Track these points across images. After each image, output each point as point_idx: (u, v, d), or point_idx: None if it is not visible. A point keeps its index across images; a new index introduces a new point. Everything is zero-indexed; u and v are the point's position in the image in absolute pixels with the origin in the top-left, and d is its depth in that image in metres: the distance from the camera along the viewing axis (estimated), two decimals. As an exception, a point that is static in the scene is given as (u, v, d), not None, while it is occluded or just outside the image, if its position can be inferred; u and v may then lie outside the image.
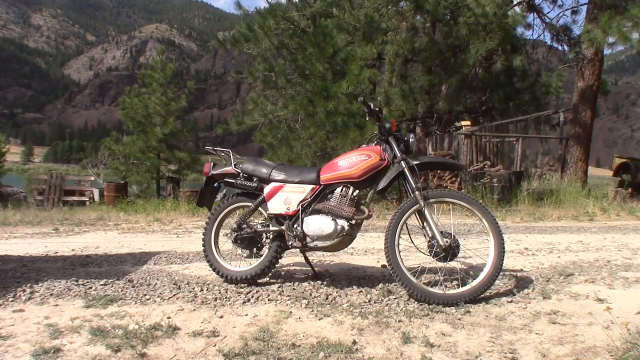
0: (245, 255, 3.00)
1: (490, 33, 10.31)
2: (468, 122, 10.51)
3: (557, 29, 11.66)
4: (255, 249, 2.97)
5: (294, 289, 2.81)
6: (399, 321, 2.28)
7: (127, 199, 11.68)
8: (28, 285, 2.87)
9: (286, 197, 2.85)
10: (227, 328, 2.23)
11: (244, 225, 2.97)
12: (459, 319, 2.30)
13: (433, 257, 2.58)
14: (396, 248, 2.58)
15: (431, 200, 2.65)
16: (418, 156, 2.88)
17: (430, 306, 2.47)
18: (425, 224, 2.65)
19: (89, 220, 7.04)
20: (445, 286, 2.66)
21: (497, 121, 11.38)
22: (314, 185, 2.83)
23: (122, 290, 2.79)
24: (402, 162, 2.67)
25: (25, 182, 18.77)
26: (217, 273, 2.98)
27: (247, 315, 2.39)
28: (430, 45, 11.34)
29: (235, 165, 3.06)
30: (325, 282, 2.93)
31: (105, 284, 2.91)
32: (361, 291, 2.76)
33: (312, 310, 2.43)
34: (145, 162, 15.19)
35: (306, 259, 3.09)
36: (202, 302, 2.58)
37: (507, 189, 8.26)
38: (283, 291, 2.76)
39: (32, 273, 3.24)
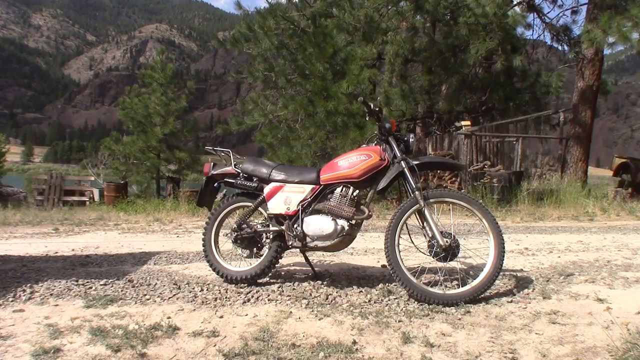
0: (245, 255, 3.00)
1: (490, 33, 10.31)
2: (468, 122, 10.50)
3: (557, 29, 11.67)
4: (255, 249, 2.97)
5: (294, 289, 2.81)
6: (399, 321, 2.28)
7: (127, 199, 11.68)
8: (28, 285, 2.87)
9: (286, 197, 2.85)
10: (227, 328, 2.23)
11: (244, 225, 2.97)
12: (459, 319, 2.30)
13: (433, 257, 2.58)
14: (396, 248, 2.58)
15: (431, 200, 2.65)
16: (418, 156, 2.88)
17: (430, 306, 2.47)
18: (425, 224, 2.65)
19: (89, 220, 7.04)
20: (445, 286, 2.66)
21: (497, 121, 11.37)
22: (314, 185, 2.83)
23: (122, 290, 2.79)
24: (402, 162, 2.67)
25: (25, 182, 18.78)
26: (217, 273, 2.98)
27: (247, 315, 2.39)
28: (430, 45, 11.34)
29: (235, 165, 3.06)
30: (325, 282, 2.93)
31: (105, 284, 2.91)
32: (361, 291, 2.76)
33: (312, 310, 2.43)
34: (145, 162, 15.19)
35: (306, 259, 3.09)
36: (202, 302, 2.58)
37: (507, 189, 8.26)
38: (283, 291, 2.76)
39: (32, 273, 3.24)
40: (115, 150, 15.80)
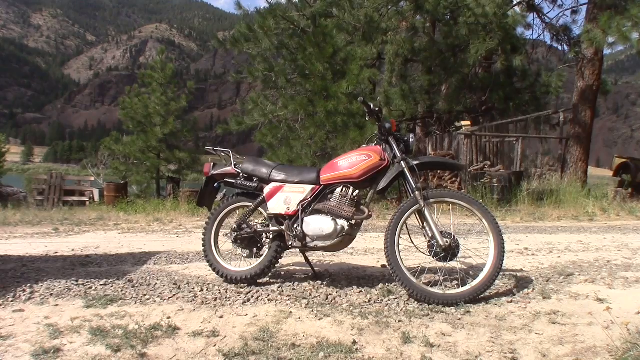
0: (245, 255, 3.00)
1: (490, 33, 10.32)
2: (468, 122, 10.51)
3: (557, 29, 11.67)
4: (255, 249, 2.97)
5: (294, 289, 2.81)
6: (399, 321, 2.28)
7: (127, 199, 11.69)
8: (28, 285, 2.87)
9: (286, 197, 2.85)
10: (227, 328, 2.23)
11: (244, 225, 2.97)
12: (459, 319, 2.30)
13: (433, 257, 2.58)
14: (396, 248, 2.58)
15: (431, 200, 2.65)
16: (418, 156, 2.88)
17: (430, 306, 2.47)
18: (425, 224, 2.65)
19: (89, 220, 7.04)
20: (445, 286, 2.66)
21: (497, 121, 11.38)
22: (314, 186, 2.83)
23: (122, 290, 2.79)
24: (402, 162, 2.67)
25: (25, 182, 18.77)
26: (217, 273, 2.98)
27: (247, 315, 2.39)
28: (430, 45, 11.33)
29: (235, 165, 3.06)
30: (325, 282, 2.93)
31: (105, 284, 2.91)
32: (361, 291, 2.76)
33: (312, 310, 2.43)
34: (145, 162, 15.20)
35: (306, 259, 3.09)
36: (202, 302, 2.58)
37: (507, 189, 8.26)
38: (283, 291, 2.76)
39: (32, 273, 3.24)
40: (115, 150, 15.81)
